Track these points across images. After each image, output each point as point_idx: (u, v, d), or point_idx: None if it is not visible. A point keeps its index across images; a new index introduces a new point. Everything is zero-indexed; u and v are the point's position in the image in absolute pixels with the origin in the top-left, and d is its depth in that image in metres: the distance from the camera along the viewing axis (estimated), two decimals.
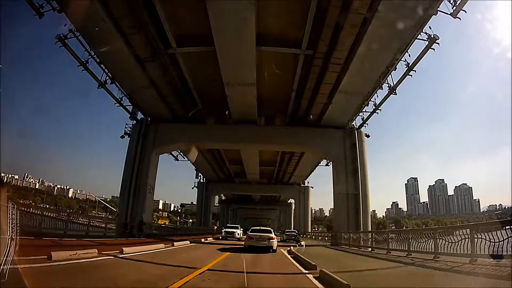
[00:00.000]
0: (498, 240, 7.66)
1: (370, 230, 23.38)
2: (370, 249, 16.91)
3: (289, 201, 67.49)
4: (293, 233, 27.86)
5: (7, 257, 3.48)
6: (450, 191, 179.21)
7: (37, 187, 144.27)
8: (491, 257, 7.53)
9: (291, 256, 12.47)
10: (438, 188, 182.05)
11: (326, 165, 37.49)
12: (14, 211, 3.70)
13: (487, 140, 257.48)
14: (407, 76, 19.51)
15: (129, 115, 27.06)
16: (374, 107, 24.13)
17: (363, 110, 25.69)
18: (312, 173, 44.11)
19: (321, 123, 25.66)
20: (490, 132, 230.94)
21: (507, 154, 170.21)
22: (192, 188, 46.98)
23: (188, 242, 18.11)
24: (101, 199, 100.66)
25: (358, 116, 26.19)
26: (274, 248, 13.87)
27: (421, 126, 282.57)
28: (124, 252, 9.41)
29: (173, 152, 35.99)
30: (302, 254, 11.28)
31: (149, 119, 27.30)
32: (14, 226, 3.66)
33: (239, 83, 20.13)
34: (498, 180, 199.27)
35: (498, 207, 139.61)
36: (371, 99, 23.56)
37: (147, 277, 6.39)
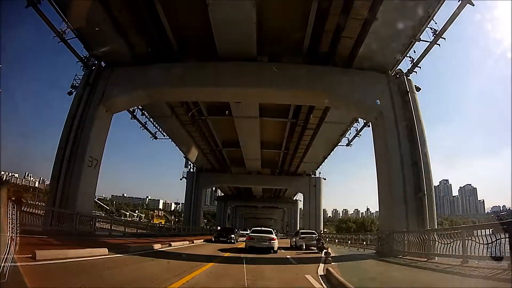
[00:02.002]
0: None
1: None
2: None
3: (294, 198, 57.36)
4: (313, 235, 16.95)
5: (7, 256, 3.27)
6: (455, 192, 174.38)
7: (36, 185, 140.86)
8: None
9: None
10: (442, 188, 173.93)
11: (347, 145, 27.70)
12: (14, 211, 3.46)
13: (492, 140, 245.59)
14: None
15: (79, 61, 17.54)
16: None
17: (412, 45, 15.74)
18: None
19: (353, 63, 15.84)
20: (495, 132, 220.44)
21: (509, 154, 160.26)
22: (181, 179, 37.53)
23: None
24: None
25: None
26: (275, 249, 13.45)
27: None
28: None
29: (150, 128, 26.67)
30: None
31: (103, 64, 17.68)
32: (14, 225, 3.42)
33: None
34: (502, 180, 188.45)
35: (502, 208, 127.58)
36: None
37: None
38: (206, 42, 15.34)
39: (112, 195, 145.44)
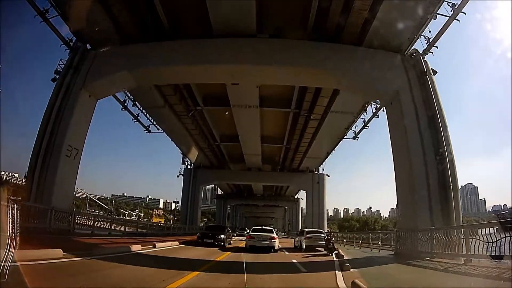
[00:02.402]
0: None
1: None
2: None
3: (296, 196, 55.34)
4: (321, 235, 14.92)
5: (7, 256, 3.23)
6: None
7: None
8: None
9: None
10: None
11: (354, 138, 25.80)
12: (14, 211, 3.42)
13: (492, 140, 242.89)
14: None
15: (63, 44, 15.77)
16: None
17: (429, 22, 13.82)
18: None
19: (364, 41, 13.92)
20: (495, 132, 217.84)
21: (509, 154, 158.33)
22: (178, 176, 35.55)
23: None
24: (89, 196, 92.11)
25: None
26: (276, 248, 13.14)
27: None
28: None
29: (144, 121, 24.82)
30: None
31: (89, 47, 15.81)
32: (14, 225, 3.39)
33: None
34: (502, 180, 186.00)
35: (503, 207, 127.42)
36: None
37: None
38: (201, 20, 13.46)
39: (112, 195, 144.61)
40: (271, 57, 12.92)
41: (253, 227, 15.36)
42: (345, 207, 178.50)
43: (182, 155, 35.21)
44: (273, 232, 14.16)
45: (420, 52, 14.26)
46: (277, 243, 13.42)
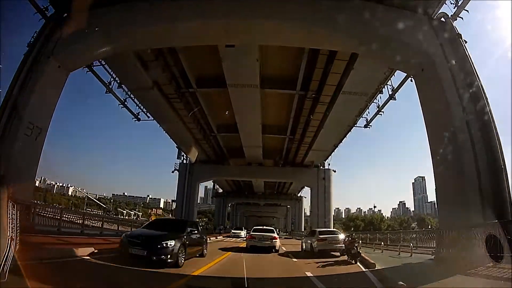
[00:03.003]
0: None
1: None
2: None
3: (299, 195, 52.58)
4: (337, 236, 12.21)
5: (7, 256, 3.15)
6: None
7: (37, 184, 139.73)
8: None
9: None
10: None
11: (366, 126, 23.16)
12: (14, 211, 3.41)
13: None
14: None
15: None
16: None
17: None
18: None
19: None
20: (501, 131, 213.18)
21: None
22: (173, 172, 32.78)
23: None
24: (90, 195, 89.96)
25: None
26: (277, 248, 12.73)
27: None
28: None
29: (133, 108, 22.27)
30: None
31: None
32: (14, 225, 3.36)
33: None
34: None
35: None
36: None
37: None
38: None
39: (113, 194, 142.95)
40: (275, 10, 10.22)
41: (254, 227, 15.02)
42: (347, 207, 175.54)
43: (177, 150, 32.58)
44: (274, 232, 13.87)
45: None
46: (278, 243, 13.04)
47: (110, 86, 19.32)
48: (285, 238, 34.84)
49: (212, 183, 49.58)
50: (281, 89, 19.02)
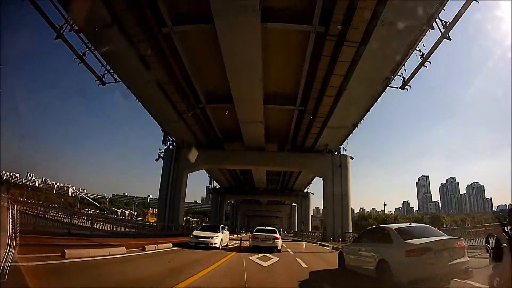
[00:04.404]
0: None
1: None
2: None
3: (305, 191, 45.80)
4: (455, 241, 5.11)
5: (7, 256, 3.16)
6: (462, 190, 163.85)
7: (36, 184, 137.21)
8: None
9: None
10: (450, 186, 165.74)
11: (403, 87, 16.83)
12: (14, 211, 3.43)
13: (498, 139, 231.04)
14: None
15: None
16: None
17: None
18: None
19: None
20: (502, 131, 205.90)
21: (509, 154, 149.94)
22: (156, 160, 26.21)
23: None
24: (90, 195, 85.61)
25: None
26: (279, 248, 12.73)
27: (430, 123, 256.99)
28: None
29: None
30: None
31: None
32: (14, 225, 3.35)
33: None
34: (506, 179, 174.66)
35: (508, 206, 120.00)
36: None
37: None
38: None
39: (113, 194, 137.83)
40: None
41: (257, 228, 14.73)
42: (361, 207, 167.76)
43: (163, 134, 26.16)
44: (276, 233, 13.65)
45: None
46: (280, 243, 12.88)
47: (61, 31, 13.16)
48: (294, 241, 27.78)
49: (209, 177, 42.58)
50: (291, 22, 12.59)
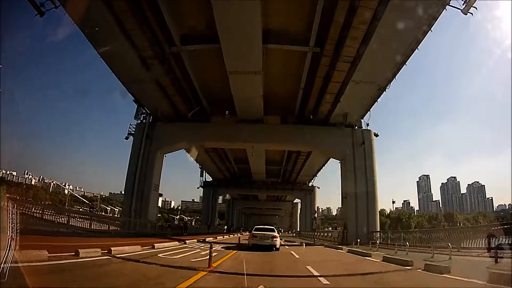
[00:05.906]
0: None
1: None
2: None
3: (310, 184, 39.08)
4: None
5: (7, 256, 3.03)
6: (463, 189, 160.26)
7: (33, 183, 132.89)
8: None
9: None
10: (450, 186, 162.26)
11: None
12: (14, 211, 3.27)
13: (499, 139, 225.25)
14: None
15: None
16: None
17: None
18: None
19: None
20: (503, 131, 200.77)
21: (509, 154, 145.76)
22: (126, 139, 19.58)
23: None
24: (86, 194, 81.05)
25: None
26: (277, 246, 12.32)
27: (429, 123, 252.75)
28: None
29: None
30: None
31: None
32: (14, 225, 3.21)
33: None
34: (506, 179, 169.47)
35: (508, 206, 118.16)
36: None
37: None
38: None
39: (110, 193, 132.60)
40: None
41: (255, 226, 14.21)
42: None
43: (136, 104, 19.66)
44: (275, 231, 13.31)
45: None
46: (278, 242, 12.43)
47: None
48: (307, 245, 16.63)
49: (200, 169, 35.73)
50: None
